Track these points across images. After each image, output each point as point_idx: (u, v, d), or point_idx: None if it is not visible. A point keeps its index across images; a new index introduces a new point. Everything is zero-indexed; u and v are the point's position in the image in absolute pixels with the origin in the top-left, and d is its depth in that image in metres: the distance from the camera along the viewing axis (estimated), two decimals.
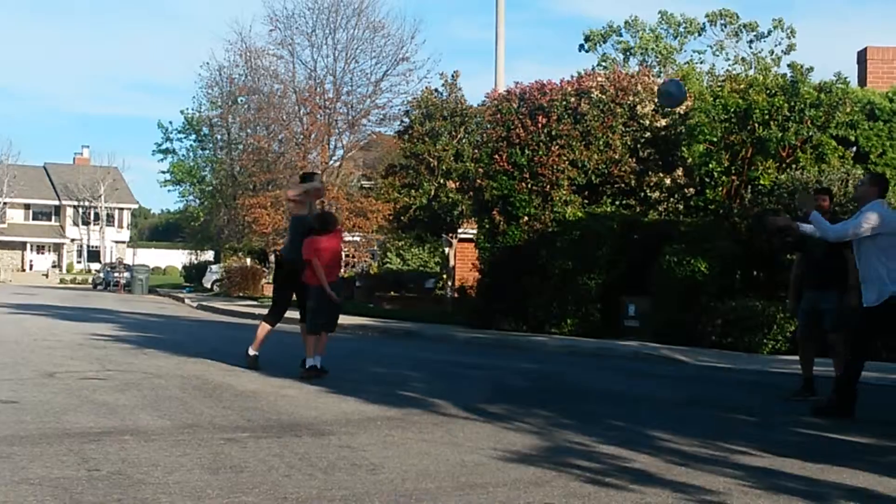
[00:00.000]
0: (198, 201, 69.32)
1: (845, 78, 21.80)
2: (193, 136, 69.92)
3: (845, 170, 19.58)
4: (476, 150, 27.70)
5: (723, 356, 17.17)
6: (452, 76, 32.30)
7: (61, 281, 77.33)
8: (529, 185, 22.51)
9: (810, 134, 20.94)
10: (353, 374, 12.43)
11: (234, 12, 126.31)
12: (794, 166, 20.73)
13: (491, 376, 13.47)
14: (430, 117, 31.15)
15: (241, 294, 44.71)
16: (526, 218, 22.54)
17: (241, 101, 54.19)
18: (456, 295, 31.72)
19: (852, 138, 21.23)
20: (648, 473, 6.79)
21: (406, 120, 33.71)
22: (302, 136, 47.03)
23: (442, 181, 30.99)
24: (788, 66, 22.98)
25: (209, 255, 67.76)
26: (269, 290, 44.49)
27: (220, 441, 7.47)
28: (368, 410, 9.32)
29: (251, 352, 12.69)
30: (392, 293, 36.62)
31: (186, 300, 42.26)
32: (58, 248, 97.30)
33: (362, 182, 44.99)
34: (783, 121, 20.80)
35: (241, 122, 54.53)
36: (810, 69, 21.96)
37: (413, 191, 31.10)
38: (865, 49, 25.57)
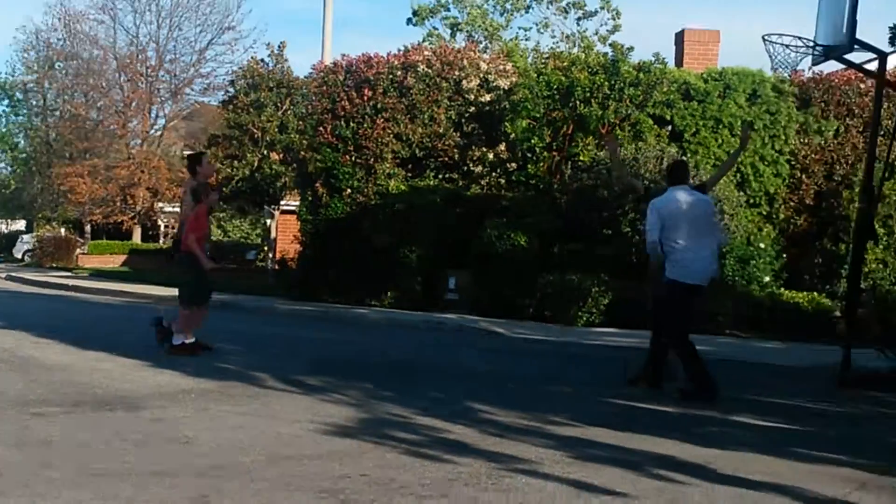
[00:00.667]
0: (9, 169, 66.88)
1: (663, 58, 22.33)
2: (6, 102, 67.37)
3: (660, 148, 20.14)
4: (301, 122, 27.50)
5: (540, 328, 17.50)
6: (279, 47, 32.00)
7: None
8: (353, 158, 22.45)
9: (629, 112, 21.43)
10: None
11: None
12: None
13: (311, 348, 13.42)
14: (255, 88, 30.80)
15: (54, 265, 43.29)
16: (349, 191, 22.48)
17: (59, 66, 52.45)
18: (277, 267, 31.47)
19: (668, 117, 21.83)
20: (464, 444, 6.87)
21: (231, 90, 33.29)
22: (122, 105, 45.97)
23: (266, 152, 30.70)
24: (610, 45, 23.44)
25: (20, 225, 65.44)
26: (84, 261, 43.35)
27: (27, 416, 7.23)
28: (184, 383, 9.16)
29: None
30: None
31: None
32: None
33: (185, 152, 44.14)
34: (603, 99, 21.22)
35: (58, 88, 52.75)
36: (630, 49, 22.40)
37: (236, 162, 30.71)
38: (683, 31, 26.25)
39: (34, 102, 59.94)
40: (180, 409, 7.83)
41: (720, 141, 21.48)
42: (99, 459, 6.00)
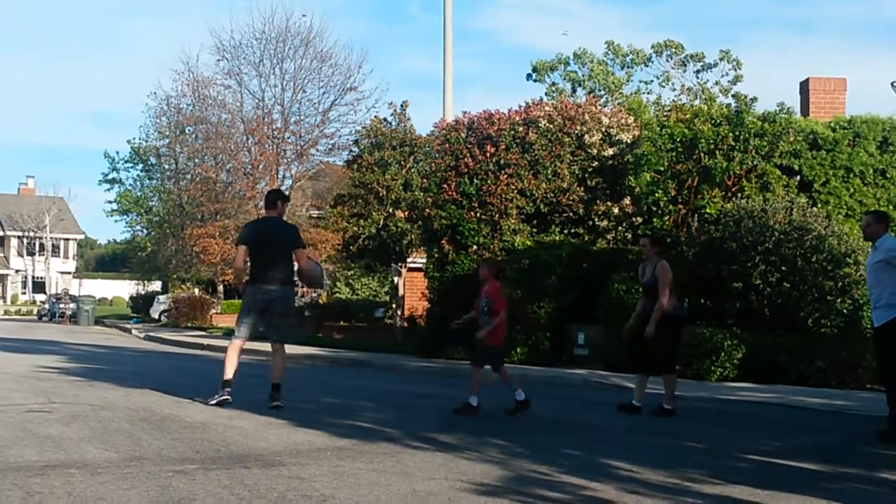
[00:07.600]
0: (145, 231, 68.82)
1: (788, 108, 22.06)
2: (141, 166, 69.53)
3: (790, 198, 19.82)
4: (425, 180, 27.74)
5: None
6: (401, 106, 32.37)
7: (6, 312, 76.32)
8: (478, 215, 22.54)
9: (755, 163, 21.16)
10: (303, 405, 12.32)
11: (182, 41, 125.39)
12: (739, 195, 20.94)
13: (441, 405, 13.40)
14: (378, 147, 31.17)
15: (189, 324, 44.32)
16: (475, 247, 22.56)
17: (189, 130, 53.92)
18: (405, 324, 31.64)
19: (796, 167, 21.49)
20: (608, 500, 6.77)
21: (355, 149, 33.72)
22: (250, 166, 46.87)
23: (391, 210, 30.99)
24: (733, 96, 23.24)
25: (156, 286, 67.22)
26: (218, 321, 44.17)
27: (168, 473, 7.36)
28: (318, 441, 9.23)
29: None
30: (341, 323, 36.51)
31: (133, 331, 41.81)
32: (2, 279, 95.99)
33: (311, 212, 44.81)
34: (728, 150, 21.00)
35: (188, 151, 54.22)
36: (754, 99, 22.26)
37: (362, 220, 31.07)
38: (808, 80, 25.91)
39: (166, 166, 61.77)
40: (316, 466, 7.88)
41: (852, 190, 21.06)
42: None
